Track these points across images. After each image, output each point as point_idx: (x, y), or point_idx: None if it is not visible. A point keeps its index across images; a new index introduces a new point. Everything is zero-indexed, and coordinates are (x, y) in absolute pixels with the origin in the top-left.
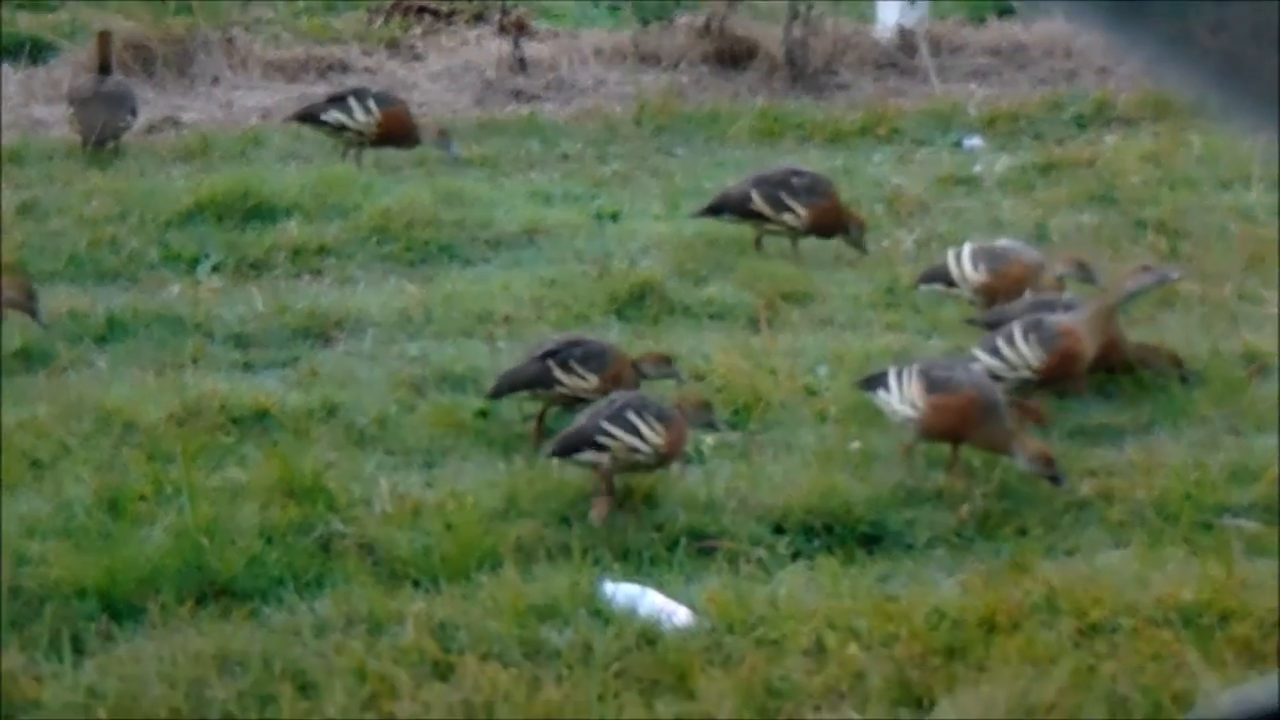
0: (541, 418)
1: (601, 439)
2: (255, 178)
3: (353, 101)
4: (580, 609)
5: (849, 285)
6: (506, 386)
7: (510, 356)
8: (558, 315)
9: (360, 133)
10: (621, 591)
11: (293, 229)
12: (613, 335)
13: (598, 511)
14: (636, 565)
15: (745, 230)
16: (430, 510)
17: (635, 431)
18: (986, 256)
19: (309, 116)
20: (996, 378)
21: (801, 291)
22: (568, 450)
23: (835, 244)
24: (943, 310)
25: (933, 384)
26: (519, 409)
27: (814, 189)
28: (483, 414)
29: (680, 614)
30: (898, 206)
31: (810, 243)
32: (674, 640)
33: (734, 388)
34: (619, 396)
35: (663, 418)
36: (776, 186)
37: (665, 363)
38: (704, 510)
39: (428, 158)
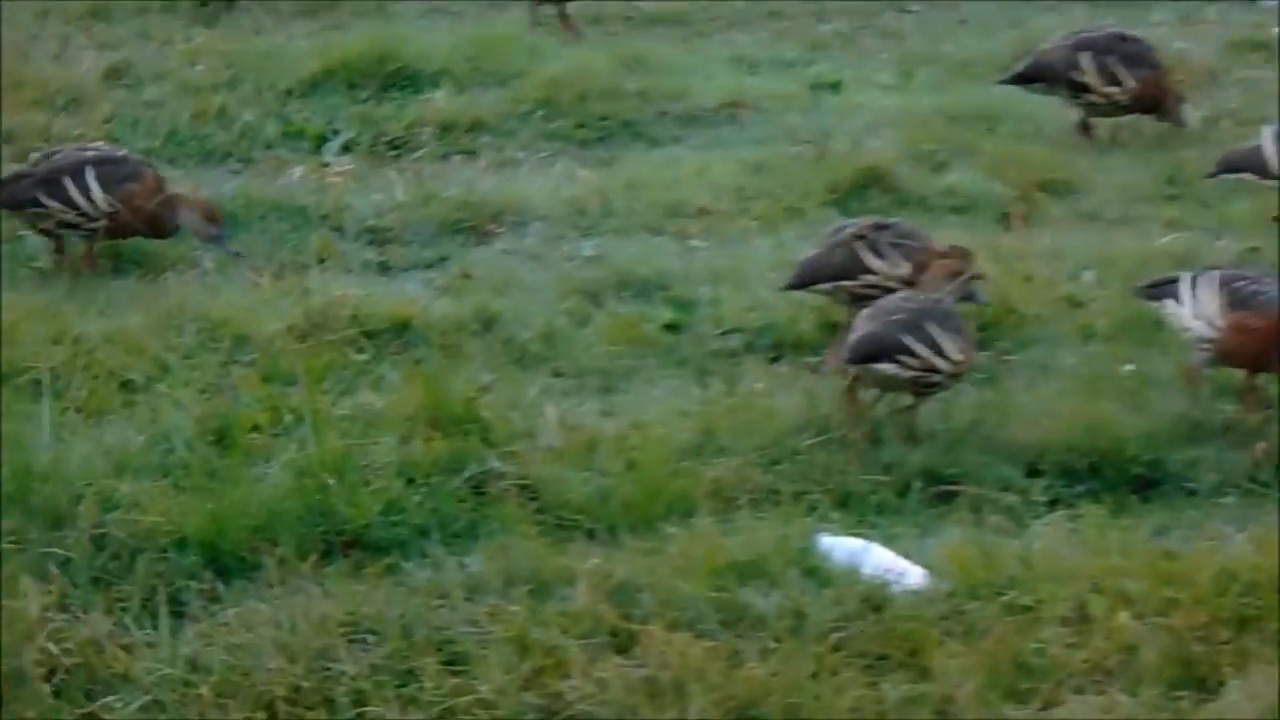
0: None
1: (902, 356)
2: (395, 37)
3: None
4: (790, 568)
5: (1120, 173)
6: (808, 276)
7: (705, 257)
8: (764, 207)
9: None
10: (840, 546)
11: (440, 100)
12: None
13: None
14: (859, 514)
15: (997, 103)
16: (608, 445)
17: (937, 349)
18: None
19: None
20: None
21: (1062, 181)
22: (863, 358)
23: (1106, 121)
24: (1235, 204)
25: (1236, 298)
26: (713, 322)
27: (1143, 58)
28: (672, 327)
29: (912, 574)
30: (1181, 76)
31: (1071, 121)
32: (904, 606)
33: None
34: (912, 300)
35: (961, 330)
36: (1104, 52)
37: (962, 276)
38: (942, 448)
39: (605, 12)
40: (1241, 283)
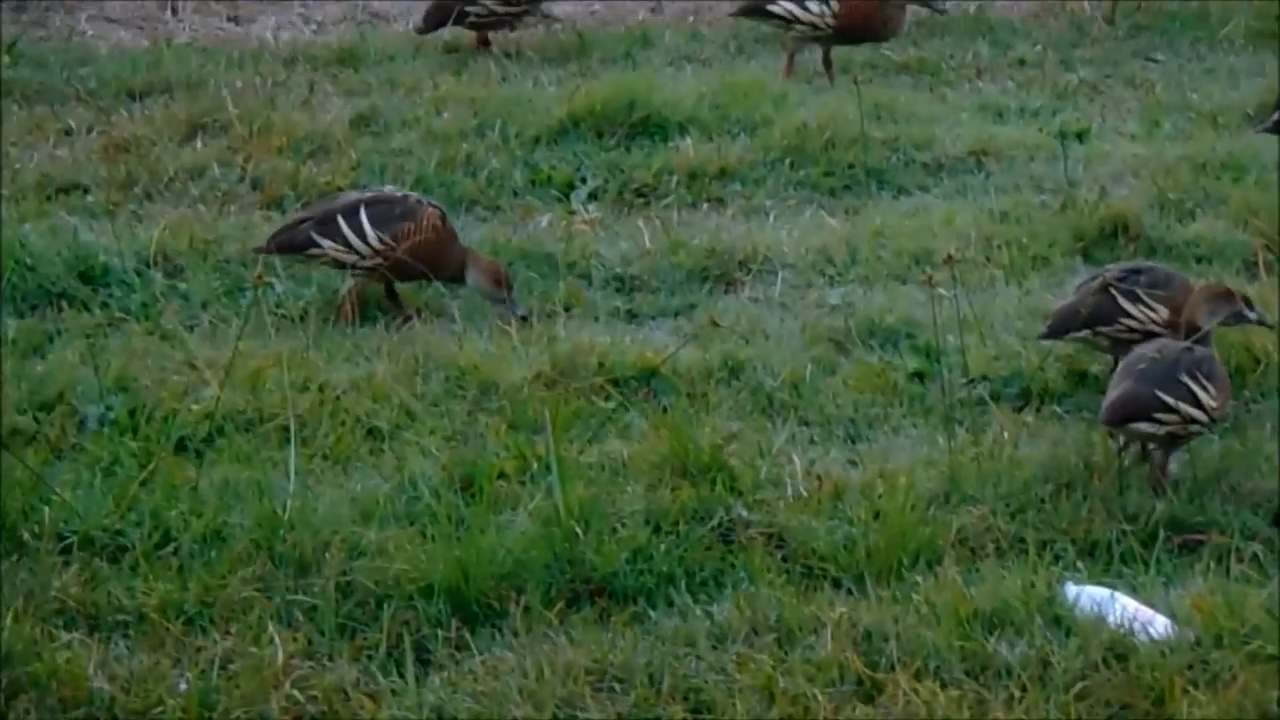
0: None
1: (1160, 414)
2: (643, 85)
3: None
4: (1035, 617)
5: None
6: (1064, 325)
7: (951, 306)
8: (1010, 255)
9: (815, 26)
10: (1086, 596)
11: (688, 148)
12: (1078, 279)
13: None
14: (1105, 564)
15: (1244, 152)
16: (854, 494)
17: (1194, 400)
18: None
19: (753, 8)
20: None
21: None
22: (1122, 419)
23: None
24: None
25: None
26: (959, 370)
27: None
28: (919, 376)
29: (1158, 623)
30: None
31: None
32: (1150, 655)
33: (1224, 344)
34: (1168, 350)
35: (1215, 376)
36: None
37: (1227, 299)
38: (1188, 496)
39: (852, 60)
40: None
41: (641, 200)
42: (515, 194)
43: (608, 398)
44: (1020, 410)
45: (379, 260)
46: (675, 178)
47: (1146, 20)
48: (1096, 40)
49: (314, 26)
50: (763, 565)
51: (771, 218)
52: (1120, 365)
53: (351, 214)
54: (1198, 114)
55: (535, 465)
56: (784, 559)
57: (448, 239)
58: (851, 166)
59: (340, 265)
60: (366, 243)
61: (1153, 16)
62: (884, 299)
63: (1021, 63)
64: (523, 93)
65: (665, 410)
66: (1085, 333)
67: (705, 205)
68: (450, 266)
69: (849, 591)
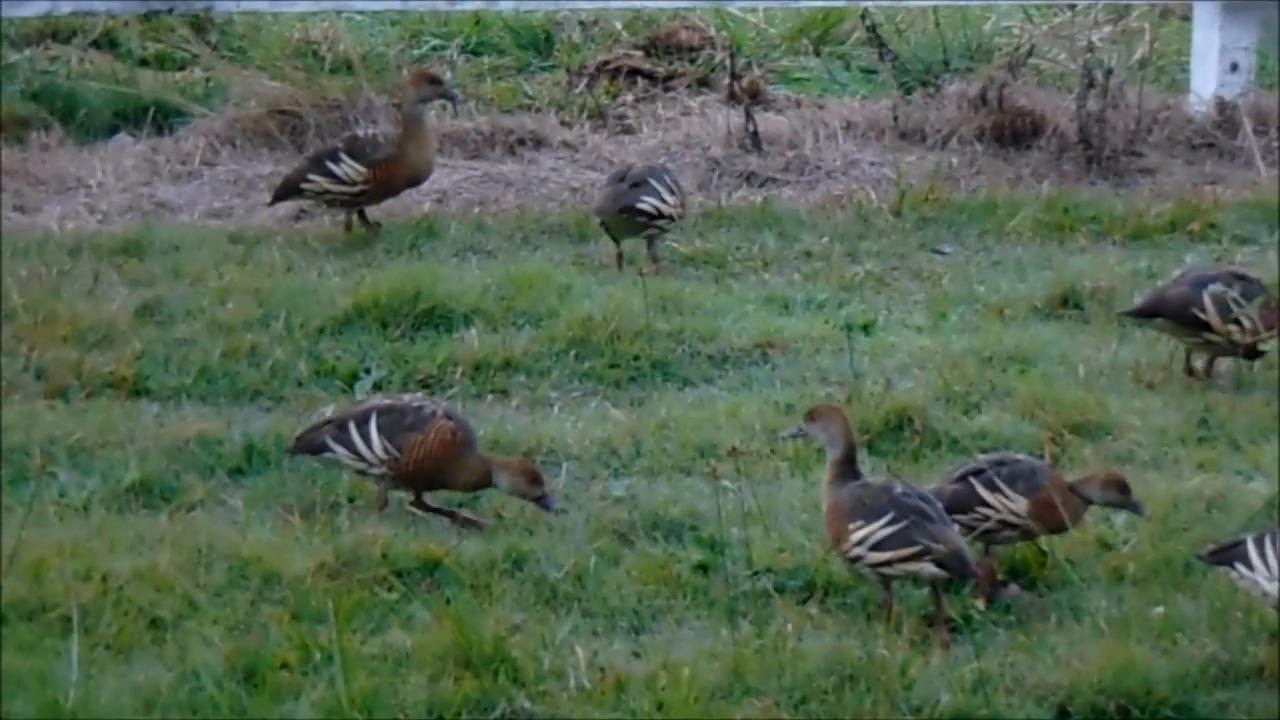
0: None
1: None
2: (427, 275)
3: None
4: None
5: (1152, 415)
6: None
7: (736, 498)
8: (796, 448)
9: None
10: None
11: (473, 339)
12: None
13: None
14: None
15: (1030, 344)
16: (637, 685)
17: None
18: None
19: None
20: None
21: (1095, 422)
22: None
23: (1136, 362)
24: (1266, 445)
25: None
26: (747, 562)
27: (1259, 295)
28: (703, 568)
29: None
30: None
31: (1109, 360)
32: None
33: (1009, 552)
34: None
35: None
36: (1226, 288)
37: (1117, 488)
38: (971, 689)
39: (638, 252)
40: None
41: (426, 391)
42: (300, 385)
43: (391, 589)
44: (804, 603)
45: (386, 470)
46: (460, 369)
47: (933, 212)
48: (883, 232)
49: (99, 216)
50: None
51: (556, 409)
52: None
53: (363, 422)
54: (984, 306)
55: (318, 656)
56: None
57: (459, 452)
58: (637, 359)
59: (359, 472)
60: (373, 452)
61: (939, 209)
62: (668, 491)
63: (808, 255)
64: (307, 283)
65: (448, 601)
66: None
67: (490, 396)
68: (466, 477)
69: None
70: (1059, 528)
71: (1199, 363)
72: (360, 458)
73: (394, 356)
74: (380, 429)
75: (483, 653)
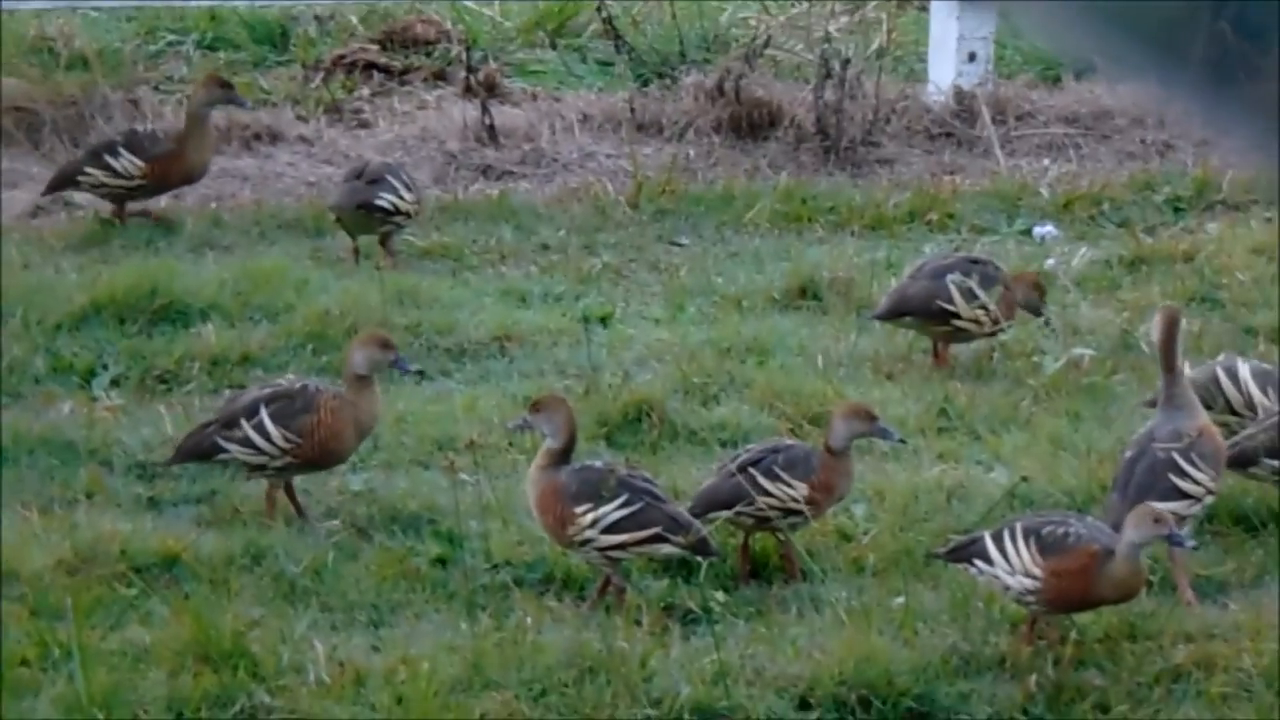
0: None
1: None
2: (164, 271)
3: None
4: None
5: (892, 405)
6: (704, 505)
7: (474, 491)
8: (533, 441)
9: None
10: None
11: (210, 334)
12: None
13: None
14: None
15: (768, 335)
16: (377, 680)
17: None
18: None
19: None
20: None
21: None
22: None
23: (875, 352)
24: (1006, 436)
25: (1047, 544)
26: (486, 555)
27: (996, 278)
28: (442, 561)
29: None
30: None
31: (848, 350)
32: None
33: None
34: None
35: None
36: (966, 275)
37: (864, 418)
38: (712, 681)
39: (375, 248)
40: (1048, 527)
41: (164, 387)
42: (37, 381)
43: (130, 584)
44: (543, 595)
45: (289, 459)
46: (197, 364)
47: (671, 204)
48: (620, 224)
49: None
50: None
51: None
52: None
53: (253, 414)
54: (722, 297)
55: (57, 652)
56: None
57: (350, 422)
58: None
59: (256, 468)
60: (272, 442)
61: (677, 200)
62: (406, 484)
63: (545, 247)
64: (44, 279)
65: (187, 597)
66: (728, 513)
67: (228, 391)
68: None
69: None
70: (832, 504)
71: (945, 349)
72: (259, 451)
73: (131, 352)
74: (274, 418)
75: (222, 648)
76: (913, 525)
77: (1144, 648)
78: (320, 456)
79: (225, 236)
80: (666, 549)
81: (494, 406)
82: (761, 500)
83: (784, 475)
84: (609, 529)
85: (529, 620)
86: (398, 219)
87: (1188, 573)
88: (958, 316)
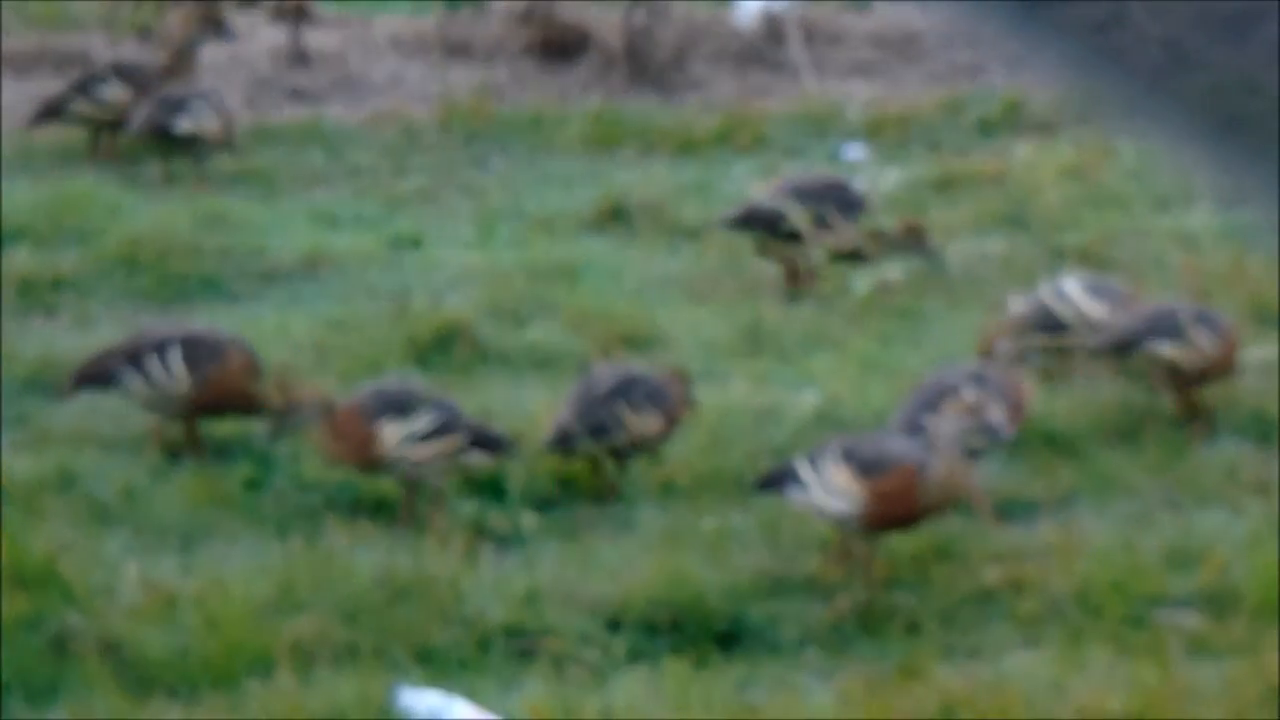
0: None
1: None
2: None
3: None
4: None
5: (703, 327)
6: (562, 441)
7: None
8: (345, 363)
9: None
10: (423, 701)
11: (21, 257)
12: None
13: None
14: (441, 669)
15: (578, 258)
16: (188, 602)
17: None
18: None
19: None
20: None
21: (644, 335)
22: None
23: (687, 275)
24: (816, 357)
25: (864, 464)
26: (293, 479)
27: (856, 204)
28: (253, 484)
29: None
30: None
31: (658, 272)
32: None
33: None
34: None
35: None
36: (819, 199)
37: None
38: (523, 602)
39: (183, 169)
40: (865, 447)
41: None
42: None
43: None
44: (354, 518)
45: (188, 401)
46: (8, 287)
47: (481, 128)
48: (430, 147)
49: None
50: (96, 675)
51: (104, 326)
52: None
53: (162, 351)
54: (532, 220)
55: None
56: (119, 667)
57: (255, 377)
58: (185, 276)
59: (147, 404)
60: (174, 383)
61: (487, 123)
62: None
63: (355, 171)
64: None
65: None
66: (593, 446)
67: (39, 315)
68: (257, 401)
69: (184, 700)
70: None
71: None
72: (158, 388)
73: None
74: (184, 359)
75: (33, 571)
76: (723, 447)
77: (954, 568)
78: (218, 405)
79: (37, 162)
80: (475, 457)
81: (305, 330)
82: (621, 431)
83: (646, 407)
84: (418, 441)
85: (340, 542)
86: (199, 145)
87: (986, 495)
88: (799, 239)
